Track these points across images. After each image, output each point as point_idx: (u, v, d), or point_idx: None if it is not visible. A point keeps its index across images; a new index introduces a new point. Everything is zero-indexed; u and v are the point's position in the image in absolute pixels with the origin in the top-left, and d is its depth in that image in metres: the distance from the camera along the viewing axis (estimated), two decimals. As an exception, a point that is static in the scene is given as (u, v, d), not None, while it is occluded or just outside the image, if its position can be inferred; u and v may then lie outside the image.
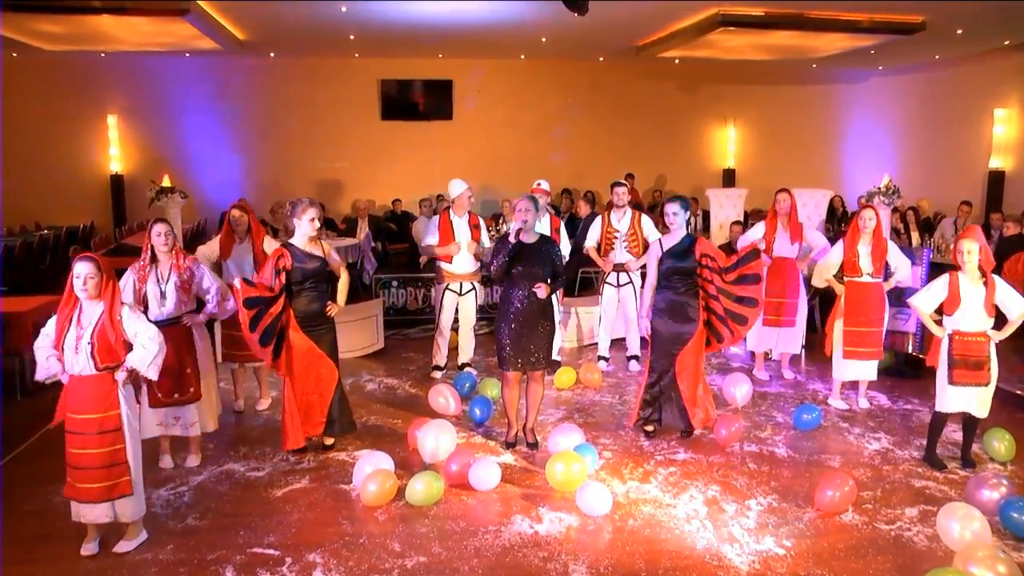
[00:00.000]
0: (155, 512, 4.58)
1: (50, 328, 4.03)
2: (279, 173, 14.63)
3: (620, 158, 14.93)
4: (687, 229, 5.69)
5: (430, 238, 6.98)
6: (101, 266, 3.95)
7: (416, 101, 14.87)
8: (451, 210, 7.03)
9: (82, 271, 3.89)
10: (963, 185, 13.26)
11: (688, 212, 5.70)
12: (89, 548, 4.12)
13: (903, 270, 6.26)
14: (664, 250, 5.58)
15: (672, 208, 5.58)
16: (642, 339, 7.30)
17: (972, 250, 4.91)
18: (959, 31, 10.98)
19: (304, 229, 5.20)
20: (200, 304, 5.23)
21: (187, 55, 13.25)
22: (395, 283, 9.24)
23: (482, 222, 7.22)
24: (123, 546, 4.15)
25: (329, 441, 5.51)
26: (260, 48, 13.07)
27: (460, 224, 6.96)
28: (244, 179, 14.58)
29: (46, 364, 4.02)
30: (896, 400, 6.63)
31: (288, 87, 14.49)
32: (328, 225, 11.89)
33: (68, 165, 14.08)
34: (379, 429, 5.99)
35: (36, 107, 13.85)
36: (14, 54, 12.78)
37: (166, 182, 8.09)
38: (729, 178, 16.00)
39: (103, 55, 13.16)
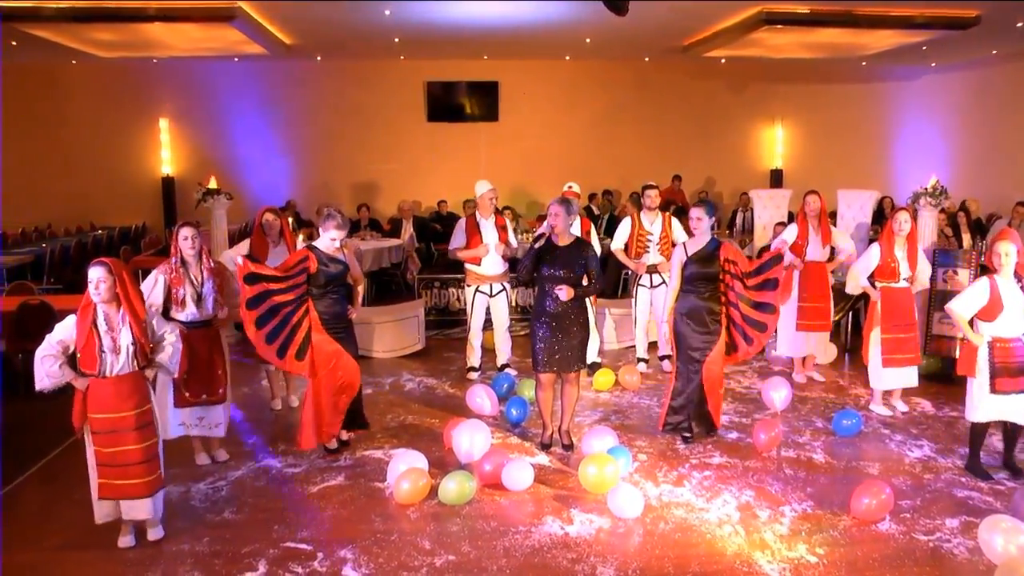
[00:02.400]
0: (193, 505, 4.72)
1: (59, 336, 4.01)
2: (326, 175, 14.85)
3: (667, 159, 14.81)
4: (732, 228, 5.65)
5: (458, 241, 7.02)
6: (113, 270, 4.00)
7: (462, 103, 14.95)
8: (476, 212, 7.05)
9: (95, 276, 3.97)
10: (1021, 186, 12.82)
11: (713, 217, 5.66)
12: (126, 541, 4.23)
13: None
14: (688, 255, 5.53)
15: (696, 213, 5.54)
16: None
17: (1010, 252, 4.78)
18: (1019, 24, 10.61)
19: (324, 241, 5.27)
20: None
21: (235, 60, 13.55)
22: (437, 284, 9.29)
23: (508, 223, 7.22)
24: (155, 533, 4.27)
25: (345, 436, 5.58)
26: (306, 52, 13.27)
27: (487, 226, 6.97)
28: (292, 180, 14.84)
29: (56, 372, 3.97)
30: (941, 406, 6.44)
31: (335, 90, 14.68)
32: (373, 226, 12.00)
33: (121, 167, 14.49)
34: (416, 428, 6.05)
35: (92, 111, 14.30)
36: (73, 61, 13.25)
37: (212, 184, 8.29)
38: (777, 179, 15.73)
39: (155, 61, 13.55)
